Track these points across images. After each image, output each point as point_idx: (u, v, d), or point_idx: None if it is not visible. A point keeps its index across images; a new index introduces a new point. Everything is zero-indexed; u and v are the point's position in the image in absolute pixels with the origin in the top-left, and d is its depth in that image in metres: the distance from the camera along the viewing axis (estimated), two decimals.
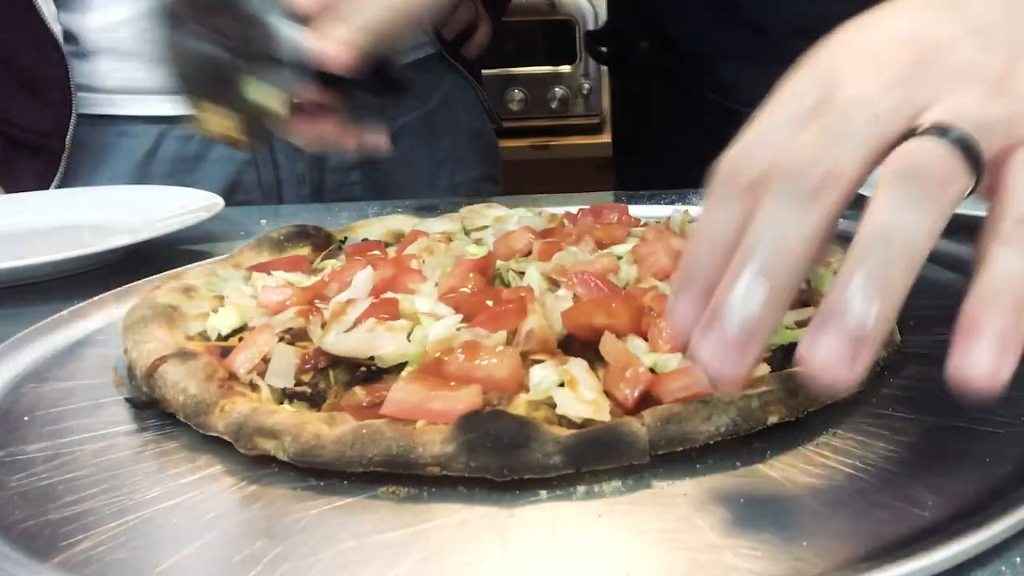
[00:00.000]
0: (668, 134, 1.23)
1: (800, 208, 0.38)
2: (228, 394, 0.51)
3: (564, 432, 0.44)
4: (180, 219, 0.94)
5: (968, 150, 0.38)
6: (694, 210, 0.83)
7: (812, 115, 0.41)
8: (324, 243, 0.78)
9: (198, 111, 0.78)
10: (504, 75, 2.09)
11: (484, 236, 0.76)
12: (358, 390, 0.51)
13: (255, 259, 0.73)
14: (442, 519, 0.42)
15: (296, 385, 0.52)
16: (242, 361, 0.53)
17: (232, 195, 1.20)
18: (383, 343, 0.52)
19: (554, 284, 0.62)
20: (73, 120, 1.16)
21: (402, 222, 0.81)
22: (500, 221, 0.79)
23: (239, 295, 0.64)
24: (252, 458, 0.48)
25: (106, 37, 1.17)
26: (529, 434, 0.43)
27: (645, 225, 0.76)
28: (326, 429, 0.46)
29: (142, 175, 1.19)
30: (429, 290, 0.60)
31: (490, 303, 0.56)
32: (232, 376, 0.53)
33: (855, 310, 0.36)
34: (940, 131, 0.38)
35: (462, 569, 0.39)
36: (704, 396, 0.46)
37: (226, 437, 0.49)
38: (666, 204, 0.99)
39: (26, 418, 0.55)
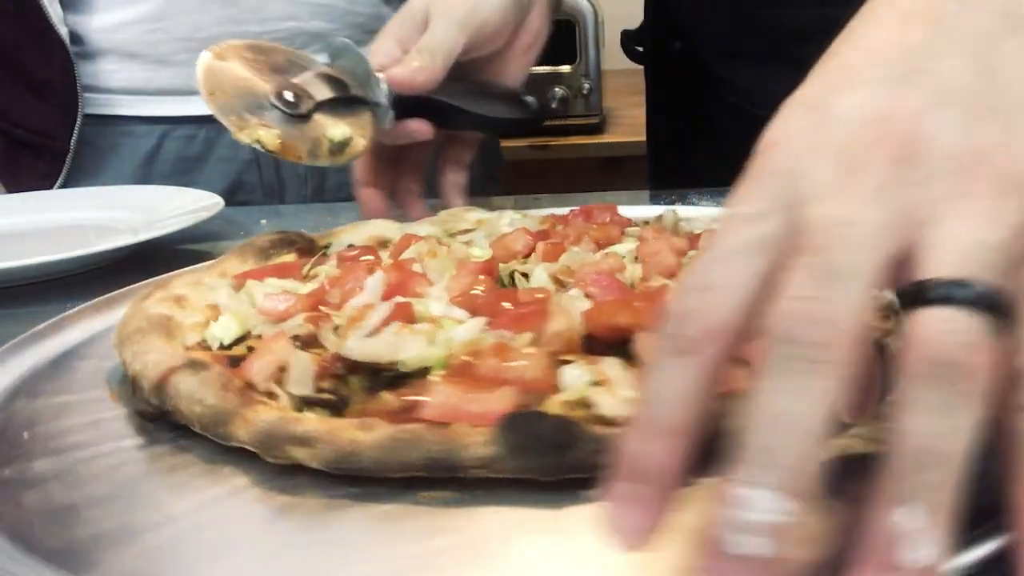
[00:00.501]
0: (700, 134, 1.23)
1: (807, 381, 0.32)
2: (248, 403, 0.49)
3: (605, 430, 0.44)
4: (180, 219, 0.94)
5: (995, 307, 0.32)
6: (683, 211, 0.83)
7: (778, 243, 0.34)
8: (309, 249, 0.76)
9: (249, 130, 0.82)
10: None
11: (474, 238, 0.75)
12: (387, 395, 0.50)
13: (240, 267, 0.71)
14: (486, 522, 0.42)
15: (317, 392, 0.51)
16: (259, 369, 0.52)
17: (234, 195, 1.19)
18: (407, 347, 0.51)
19: (560, 285, 0.62)
20: (79, 121, 1.15)
21: (385, 227, 0.80)
22: (482, 224, 0.78)
23: (237, 303, 0.63)
24: (278, 468, 0.47)
25: (111, 38, 1.16)
26: (574, 433, 0.43)
27: (637, 225, 0.76)
28: (361, 435, 0.45)
29: (144, 175, 1.18)
30: (438, 294, 0.59)
31: (508, 305, 0.56)
32: (248, 385, 0.52)
33: (921, 556, 0.30)
34: (954, 292, 0.32)
35: (513, 572, 0.38)
36: (734, 392, 0.46)
37: (250, 447, 0.47)
38: (665, 203, 0.98)
39: (25, 435, 0.53)
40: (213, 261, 0.74)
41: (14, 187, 1.19)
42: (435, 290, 0.60)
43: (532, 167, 2.01)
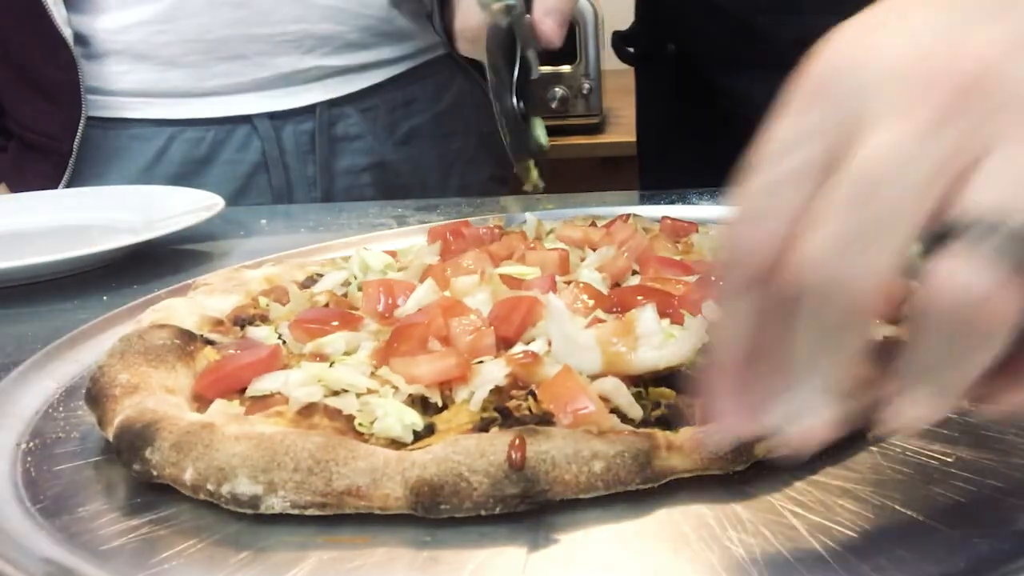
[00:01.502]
0: (690, 135, 1.23)
1: (836, 338, 0.34)
2: (646, 437, 0.46)
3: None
4: (181, 219, 0.94)
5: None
6: (678, 210, 0.84)
7: (827, 166, 0.33)
8: (188, 338, 0.61)
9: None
10: None
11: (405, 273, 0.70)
12: None
13: (168, 376, 0.56)
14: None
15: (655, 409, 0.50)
16: (597, 408, 0.48)
17: (241, 198, 1.20)
18: (688, 345, 0.52)
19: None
20: (82, 123, 1.15)
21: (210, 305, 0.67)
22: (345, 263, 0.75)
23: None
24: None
25: (118, 39, 1.16)
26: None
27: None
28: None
29: (149, 178, 1.18)
30: (566, 311, 0.56)
31: (639, 298, 0.58)
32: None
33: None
34: (983, 234, 0.31)
35: None
36: None
37: (700, 470, 0.46)
38: (666, 204, 0.99)
39: None
40: (107, 368, 0.56)
41: (19, 189, 1.19)
42: (560, 308, 0.56)
43: None
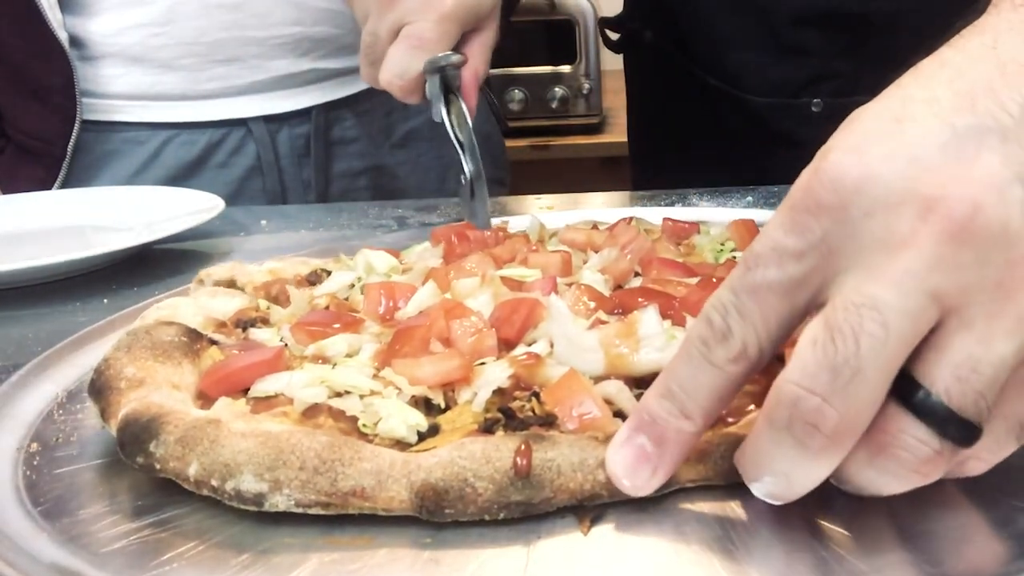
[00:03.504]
0: (678, 123, 1.23)
1: (813, 459, 0.37)
2: None
3: None
4: (181, 220, 0.94)
5: (964, 439, 0.36)
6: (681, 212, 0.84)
7: (809, 286, 0.37)
8: (194, 336, 0.61)
9: None
10: (504, 75, 2.09)
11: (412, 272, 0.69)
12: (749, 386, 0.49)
13: (175, 372, 0.56)
14: None
15: None
16: (601, 411, 0.48)
17: (236, 201, 1.19)
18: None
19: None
20: (77, 126, 1.15)
21: (216, 304, 0.67)
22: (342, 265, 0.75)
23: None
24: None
25: (113, 42, 1.16)
26: None
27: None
28: None
29: (140, 182, 1.17)
30: (568, 313, 0.56)
31: (640, 300, 0.58)
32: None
33: None
34: (939, 421, 0.35)
35: None
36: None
37: (711, 479, 0.45)
38: (666, 205, 0.99)
39: None
40: (113, 361, 0.55)
41: (11, 193, 1.18)
42: (561, 310, 0.56)
43: (532, 167, 2.01)
